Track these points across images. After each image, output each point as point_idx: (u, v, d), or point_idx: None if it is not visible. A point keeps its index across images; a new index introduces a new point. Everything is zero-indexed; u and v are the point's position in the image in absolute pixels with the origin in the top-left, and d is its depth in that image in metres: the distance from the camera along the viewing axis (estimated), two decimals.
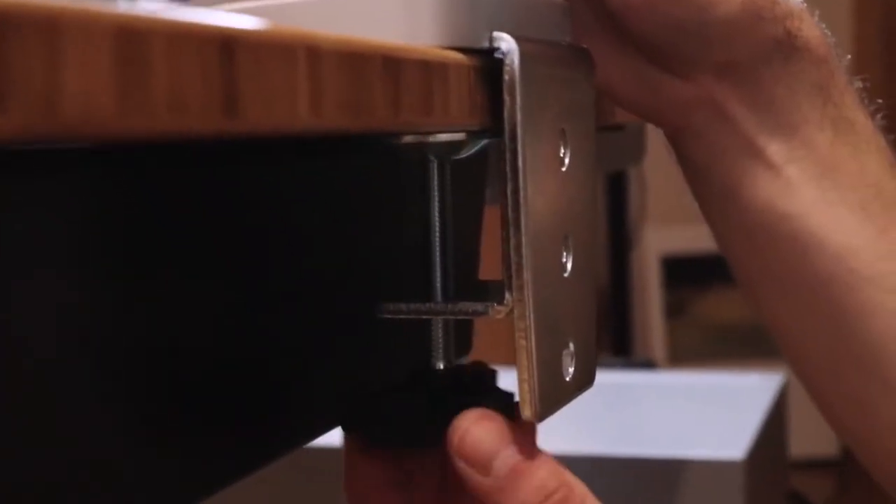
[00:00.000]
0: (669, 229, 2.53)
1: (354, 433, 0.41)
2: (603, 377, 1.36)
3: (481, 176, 0.54)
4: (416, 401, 0.40)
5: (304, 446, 0.44)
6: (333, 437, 0.44)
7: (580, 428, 1.10)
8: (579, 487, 0.38)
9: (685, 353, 2.60)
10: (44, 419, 0.31)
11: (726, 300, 2.60)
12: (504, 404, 0.40)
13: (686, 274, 2.62)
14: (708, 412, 1.13)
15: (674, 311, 2.64)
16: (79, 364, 0.32)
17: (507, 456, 0.37)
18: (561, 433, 1.08)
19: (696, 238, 2.45)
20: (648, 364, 1.60)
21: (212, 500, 0.38)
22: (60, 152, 0.30)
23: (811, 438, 2.46)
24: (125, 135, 0.21)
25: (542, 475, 0.38)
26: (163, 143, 0.23)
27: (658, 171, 2.07)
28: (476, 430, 0.38)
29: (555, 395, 0.40)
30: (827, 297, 0.48)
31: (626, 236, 2.14)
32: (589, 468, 0.98)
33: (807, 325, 0.49)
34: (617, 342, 2.12)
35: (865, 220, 0.48)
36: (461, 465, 0.37)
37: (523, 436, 0.38)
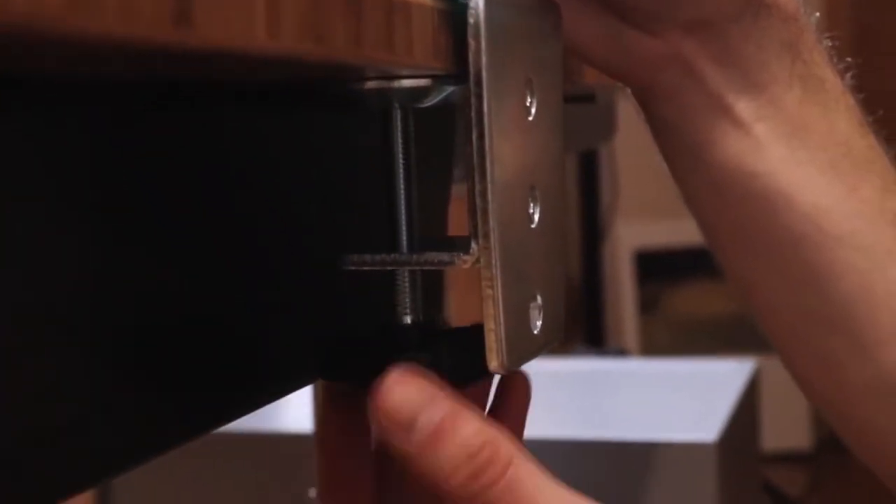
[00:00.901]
0: (642, 224, 2.54)
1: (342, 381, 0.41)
2: (576, 364, 1.37)
3: (448, 134, 0.54)
4: (418, 358, 0.39)
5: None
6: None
7: (555, 413, 1.10)
8: (506, 446, 0.35)
9: (658, 348, 2.60)
10: None
11: (699, 295, 2.60)
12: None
13: (659, 269, 2.62)
14: (680, 397, 1.14)
15: (647, 305, 2.64)
16: (25, 314, 0.31)
17: (428, 416, 0.35)
18: (536, 418, 1.08)
19: (669, 233, 2.46)
20: (621, 352, 1.60)
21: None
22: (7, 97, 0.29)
23: (785, 432, 2.47)
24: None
25: (465, 434, 0.35)
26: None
27: (630, 166, 2.07)
28: (398, 389, 0.35)
29: (522, 346, 0.39)
30: (796, 256, 0.48)
31: (598, 230, 2.14)
32: (564, 452, 0.98)
33: (776, 283, 0.49)
34: (590, 336, 2.12)
35: (835, 179, 0.48)
36: (384, 426, 0.35)
37: (451, 394, 0.36)
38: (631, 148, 1.50)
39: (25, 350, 0.31)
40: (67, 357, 0.32)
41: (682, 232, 2.37)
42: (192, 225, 0.38)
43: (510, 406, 0.44)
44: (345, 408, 0.43)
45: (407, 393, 0.35)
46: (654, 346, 2.62)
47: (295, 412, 1.04)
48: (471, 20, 0.36)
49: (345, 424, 0.44)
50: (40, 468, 0.31)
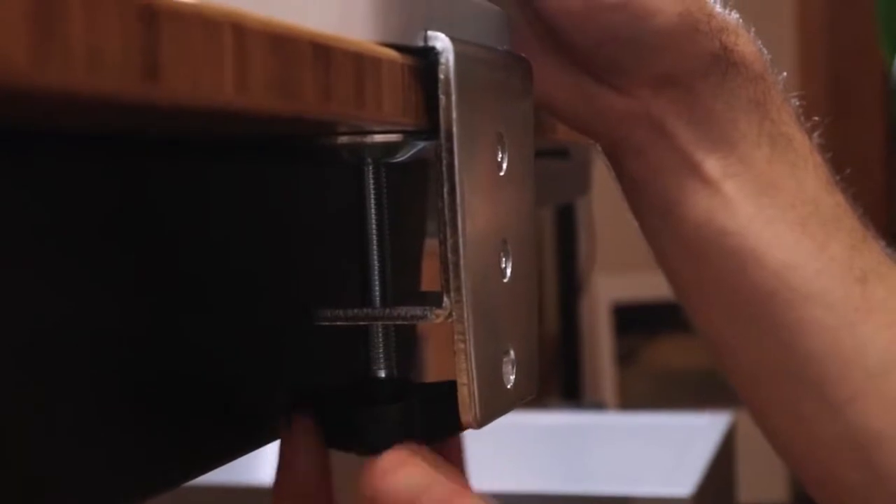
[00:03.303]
0: (620, 277, 2.54)
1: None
2: (553, 417, 1.36)
3: (422, 189, 0.54)
4: (389, 410, 0.39)
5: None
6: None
7: (531, 466, 1.09)
8: None
9: (636, 402, 2.60)
10: None
11: (677, 348, 2.61)
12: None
13: (637, 322, 2.62)
14: (656, 450, 1.13)
15: (624, 359, 2.64)
16: None
17: (430, 498, 0.36)
18: (512, 471, 1.08)
19: (646, 286, 2.46)
20: (598, 406, 1.60)
21: None
22: None
23: (761, 486, 2.46)
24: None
25: None
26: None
27: (607, 220, 2.08)
28: (399, 471, 0.36)
29: (496, 401, 0.39)
30: (766, 313, 0.48)
31: (576, 284, 2.14)
32: None
33: (745, 338, 0.49)
34: (567, 389, 2.11)
35: (804, 237, 0.48)
36: None
37: (450, 474, 0.37)
38: (608, 201, 1.50)
39: None
40: (40, 411, 0.32)
41: (659, 285, 2.36)
42: (164, 279, 0.37)
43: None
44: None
45: (408, 476, 0.36)
46: (631, 400, 2.61)
47: (272, 465, 1.03)
48: (441, 76, 0.36)
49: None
50: None
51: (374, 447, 0.39)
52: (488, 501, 0.37)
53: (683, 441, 1.15)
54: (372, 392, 0.40)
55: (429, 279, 0.53)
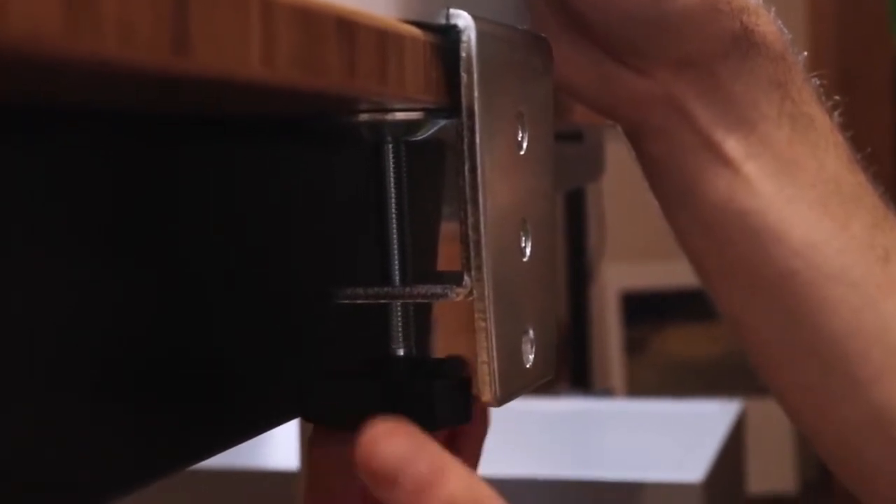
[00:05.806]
0: (629, 266, 2.54)
1: (309, 418, 0.41)
2: (563, 404, 1.36)
3: (438, 174, 0.54)
4: (368, 386, 0.39)
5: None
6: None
7: (542, 452, 1.09)
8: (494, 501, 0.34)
9: (644, 389, 2.60)
10: None
11: (686, 337, 2.60)
12: (460, 390, 0.39)
13: (646, 310, 2.62)
14: (667, 437, 1.13)
15: (633, 347, 2.64)
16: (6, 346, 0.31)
17: (414, 471, 0.34)
18: (521, 457, 1.08)
19: (656, 275, 2.46)
20: (607, 393, 1.60)
21: None
22: None
23: (770, 475, 2.46)
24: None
25: (451, 489, 0.34)
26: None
27: (617, 208, 2.08)
28: (383, 442, 0.34)
29: (515, 379, 0.39)
30: (788, 292, 0.48)
31: (585, 271, 2.14)
32: (551, 491, 0.98)
33: (767, 318, 0.49)
34: (576, 377, 2.11)
35: (825, 216, 0.48)
36: (367, 478, 0.34)
37: (436, 448, 0.35)
38: (618, 189, 1.50)
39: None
40: (44, 395, 0.32)
41: (669, 274, 2.37)
42: (177, 258, 0.37)
43: (469, 433, 0.44)
44: (334, 443, 0.43)
45: (392, 446, 0.34)
46: (640, 388, 2.61)
47: (281, 448, 1.03)
48: (463, 54, 0.36)
49: (334, 461, 0.43)
50: None
51: None
52: (474, 478, 0.35)
53: (693, 428, 1.15)
54: (391, 370, 0.40)
55: (444, 266, 0.53)
